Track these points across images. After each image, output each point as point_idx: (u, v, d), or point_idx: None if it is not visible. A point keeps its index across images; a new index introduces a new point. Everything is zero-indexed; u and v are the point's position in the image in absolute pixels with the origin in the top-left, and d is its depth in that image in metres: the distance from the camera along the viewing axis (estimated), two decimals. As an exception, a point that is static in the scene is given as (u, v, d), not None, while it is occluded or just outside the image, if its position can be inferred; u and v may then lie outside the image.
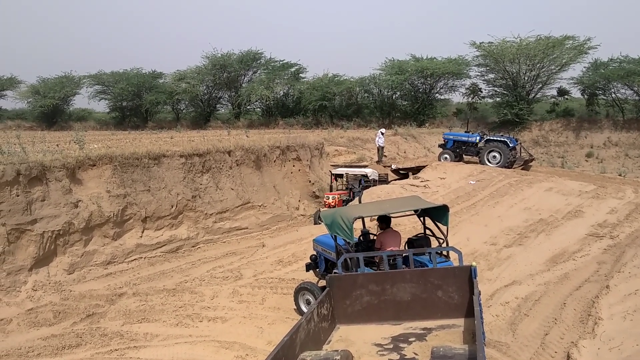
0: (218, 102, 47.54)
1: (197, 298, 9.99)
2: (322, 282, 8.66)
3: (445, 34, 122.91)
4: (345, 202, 16.55)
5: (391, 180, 19.36)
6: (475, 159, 20.67)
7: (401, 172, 21.06)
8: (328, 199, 16.46)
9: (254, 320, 8.78)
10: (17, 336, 8.57)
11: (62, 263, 10.94)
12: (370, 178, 17.42)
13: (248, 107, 45.33)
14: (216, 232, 14.43)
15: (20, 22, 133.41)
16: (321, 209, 16.88)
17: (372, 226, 10.77)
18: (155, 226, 13.12)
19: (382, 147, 22.61)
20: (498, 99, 37.66)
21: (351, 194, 16.81)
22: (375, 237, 8.80)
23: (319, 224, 15.83)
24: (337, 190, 17.73)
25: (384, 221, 8.34)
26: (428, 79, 39.43)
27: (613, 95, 34.39)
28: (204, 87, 45.31)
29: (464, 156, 21.26)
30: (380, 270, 7.30)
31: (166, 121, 47.19)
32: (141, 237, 12.70)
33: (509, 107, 34.81)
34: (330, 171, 19.28)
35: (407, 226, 12.16)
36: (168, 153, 14.17)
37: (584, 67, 35.36)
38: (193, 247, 13.66)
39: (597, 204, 14.30)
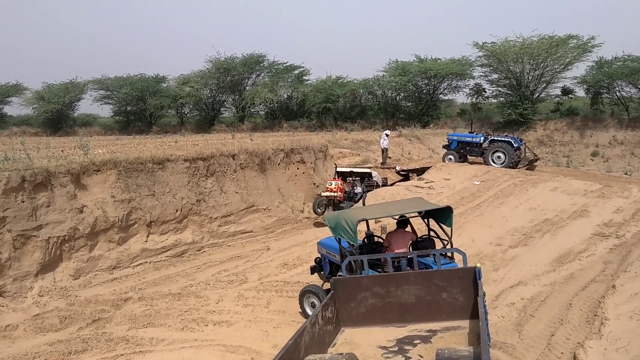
0: (222, 105, 47.57)
1: (202, 302, 10.00)
2: (327, 285, 8.66)
3: (449, 34, 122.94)
4: (347, 194, 16.63)
5: (393, 183, 19.32)
6: (480, 159, 20.62)
7: (401, 173, 21.00)
8: (331, 184, 16.64)
9: (259, 324, 8.79)
10: (23, 342, 8.60)
11: (67, 268, 10.99)
12: (374, 178, 17.43)
13: (252, 110, 45.34)
14: (221, 235, 14.45)
15: (25, 29, 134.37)
16: (321, 193, 16.98)
17: (376, 228, 10.75)
18: (160, 230, 13.15)
19: (387, 149, 22.55)
20: (502, 99, 37.50)
21: (353, 188, 16.91)
22: (379, 239, 8.80)
23: (318, 213, 16.02)
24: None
25: (399, 223, 8.31)
26: (432, 79, 39.32)
27: (617, 93, 34.19)
28: (208, 90, 45.36)
29: (468, 157, 21.21)
30: (384, 272, 7.30)
31: (170, 125, 47.29)
32: (146, 241, 12.73)
33: (513, 107, 34.67)
34: (334, 164, 19.30)
35: (412, 228, 12.13)
36: (172, 157, 14.20)
37: (588, 66, 35.21)
38: (198, 251, 13.69)
39: (602, 204, 14.23)
